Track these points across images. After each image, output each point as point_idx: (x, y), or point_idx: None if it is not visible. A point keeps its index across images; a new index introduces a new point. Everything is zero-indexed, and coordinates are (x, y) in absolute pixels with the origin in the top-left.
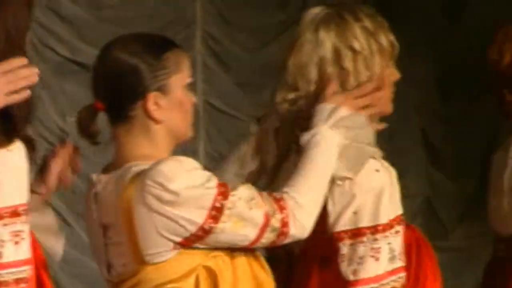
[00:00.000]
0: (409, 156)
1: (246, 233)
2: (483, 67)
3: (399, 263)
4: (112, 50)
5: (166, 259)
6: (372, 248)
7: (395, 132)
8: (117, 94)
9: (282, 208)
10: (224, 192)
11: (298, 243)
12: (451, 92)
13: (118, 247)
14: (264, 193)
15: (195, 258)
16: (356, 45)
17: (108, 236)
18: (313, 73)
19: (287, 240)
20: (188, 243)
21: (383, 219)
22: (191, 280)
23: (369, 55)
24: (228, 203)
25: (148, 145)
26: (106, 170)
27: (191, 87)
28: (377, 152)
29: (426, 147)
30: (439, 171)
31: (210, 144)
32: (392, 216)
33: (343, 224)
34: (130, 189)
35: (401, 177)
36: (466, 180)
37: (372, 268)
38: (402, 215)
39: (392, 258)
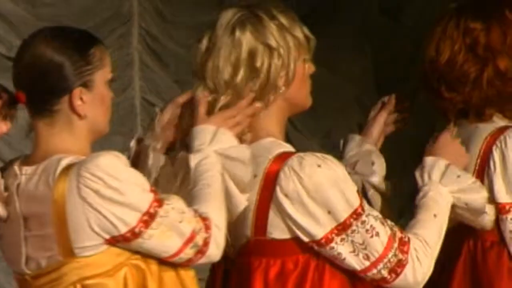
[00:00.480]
0: None
1: (171, 244)
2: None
3: (388, 221)
4: (37, 44)
5: (95, 253)
6: (367, 230)
7: (334, 128)
8: (42, 89)
9: (207, 228)
10: (159, 199)
11: (235, 248)
12: (388, 88)
13: (41, 239)
14: (192, 209)
15: (125, 253)
16: (273, 43)
17: (28, 228)
18: (229, 75)
19: (202, 260)
20: (113, 242)
21: (355, 201)
22: (120, 275)
23: (286, 51)
24: (161, 211)
25: (70, 139)
26: (26, 162)
27: (120, 83)
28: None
29: None
30: None
31: None
32: (356, 193)
33: (327, 228)
34: (62, 181)
35: None
36: (404, 177)
37: (378, 244)
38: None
39: (382, 222)
